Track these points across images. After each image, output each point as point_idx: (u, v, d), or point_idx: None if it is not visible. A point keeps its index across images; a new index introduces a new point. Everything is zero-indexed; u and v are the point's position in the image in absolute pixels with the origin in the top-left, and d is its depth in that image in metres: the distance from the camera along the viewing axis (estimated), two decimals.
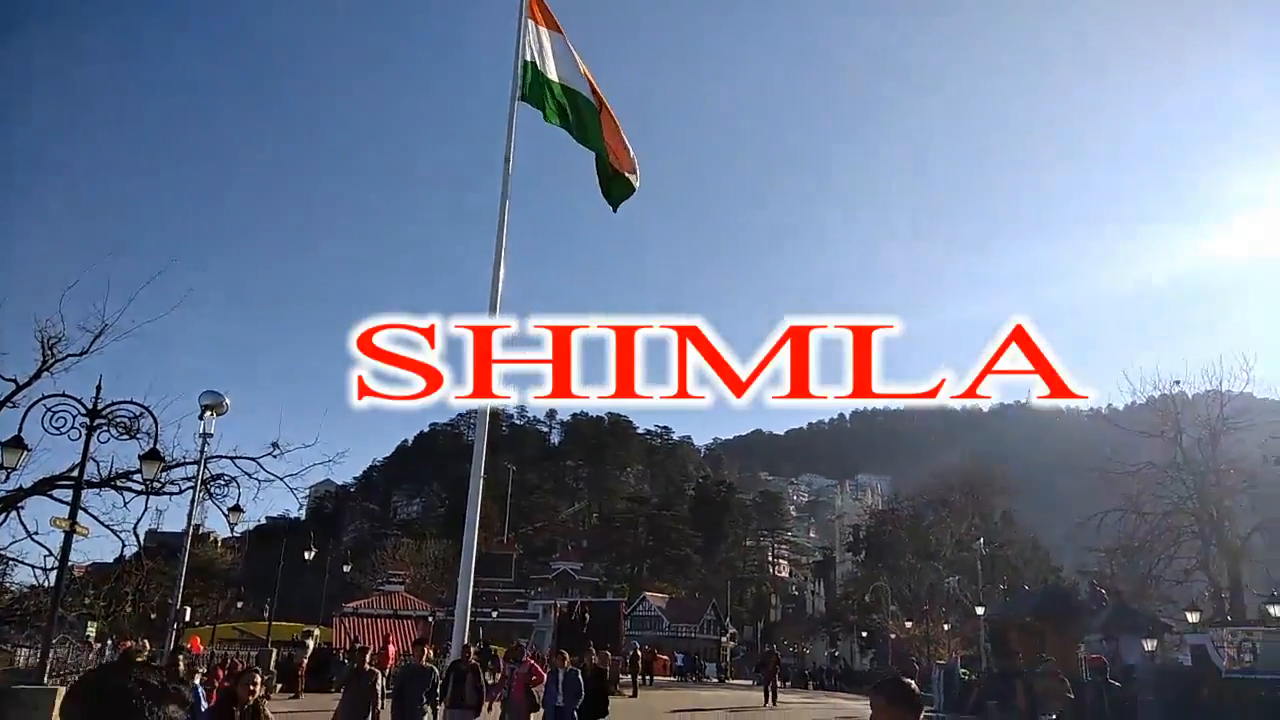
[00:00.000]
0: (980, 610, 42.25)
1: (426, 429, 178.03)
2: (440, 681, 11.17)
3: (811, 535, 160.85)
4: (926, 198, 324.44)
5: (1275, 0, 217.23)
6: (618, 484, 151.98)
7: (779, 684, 31.63)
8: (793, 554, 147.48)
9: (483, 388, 8.11)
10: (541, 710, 13.12)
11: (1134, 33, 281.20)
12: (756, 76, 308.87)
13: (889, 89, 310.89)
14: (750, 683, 58.64)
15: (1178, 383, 34.60)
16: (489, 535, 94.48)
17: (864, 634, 76.71)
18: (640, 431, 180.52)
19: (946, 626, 51.37)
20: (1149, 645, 23.45)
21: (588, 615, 37.24)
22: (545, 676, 13.59)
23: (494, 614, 70.21)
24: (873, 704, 3.10)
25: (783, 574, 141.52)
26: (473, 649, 14.39)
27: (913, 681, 3.16)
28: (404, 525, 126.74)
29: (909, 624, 55.86)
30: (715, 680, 59.39)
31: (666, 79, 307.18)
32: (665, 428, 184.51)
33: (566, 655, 13.75)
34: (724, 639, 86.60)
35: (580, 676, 13.28)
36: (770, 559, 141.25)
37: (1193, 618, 24.86)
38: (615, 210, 9.20)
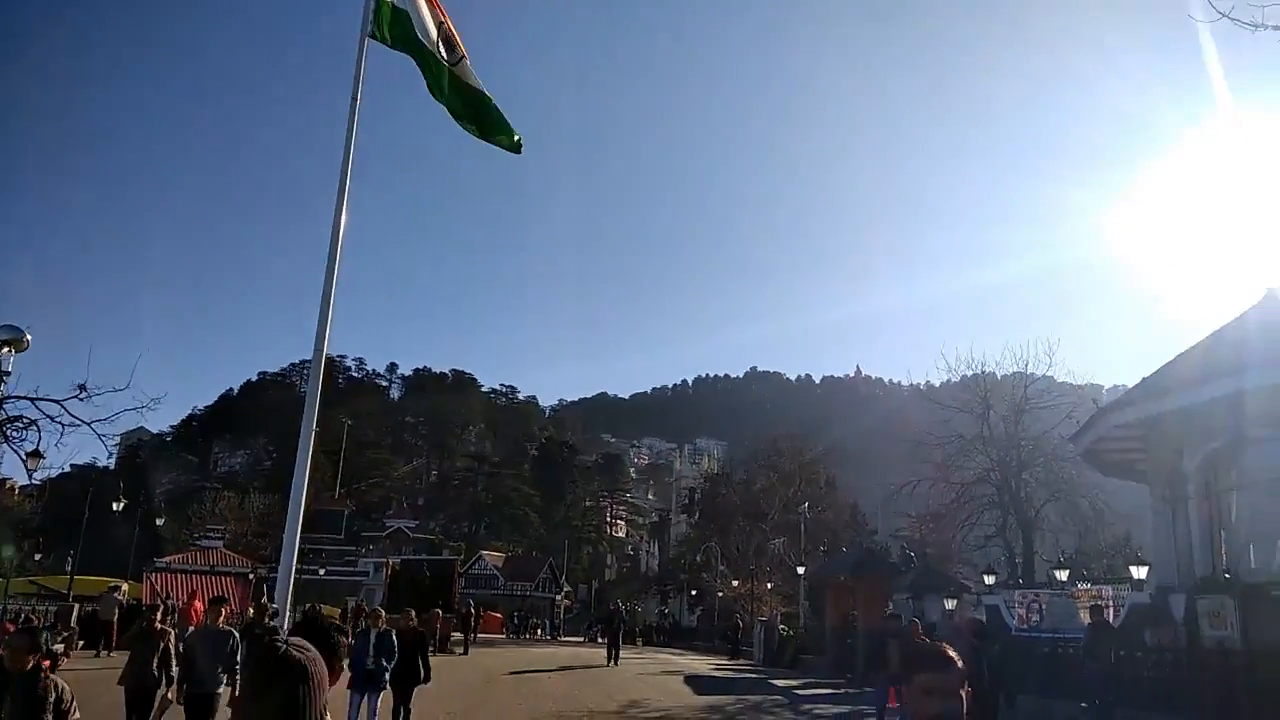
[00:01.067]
0: (801, 570, 44.61)
1: (255, 378, 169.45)
2: (238, 647, 9.85)
3: (650, 497, 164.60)
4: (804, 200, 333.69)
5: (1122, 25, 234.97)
6: (459, 441, 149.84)
7: (621, 642, 31.52)
8: (630, 515, 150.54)
9: (320, 336, 7.72)
10: (348, 674, 11.89)
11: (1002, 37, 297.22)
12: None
13: (755, 99, 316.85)
14: (581, 639, 59.78)
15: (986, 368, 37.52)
16: (320, 491, 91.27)
17: (694, 592, 79.51)
18: (485, 389, 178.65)
19: (770, 585, 53.94)
20: (949, 604, 25.48)
21: (427, 572, 36.65)
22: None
23: (321, 572, 68.10)
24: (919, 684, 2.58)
25: (620, 534, 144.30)
26: (267, 607, 13.25)
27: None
28: (226, 478, 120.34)
29: (735, 583, 58.31)
30: (548, 638, 60.07)
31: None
32: (511, 386, 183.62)
33: (381, 613, 12.60)
34: (559, 597, 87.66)
35: (394, 637, 11.88)
36: (608, 519, 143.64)
37: (989, 580, 27.10)
38: (519, 149, 8.73)
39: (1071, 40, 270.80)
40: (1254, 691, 13.16)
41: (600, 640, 51.71)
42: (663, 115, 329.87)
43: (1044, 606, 21.39)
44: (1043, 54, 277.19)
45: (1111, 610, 18.92)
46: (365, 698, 11.40)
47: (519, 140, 8.60)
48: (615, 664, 28.25)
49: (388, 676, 11.61)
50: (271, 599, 11.43)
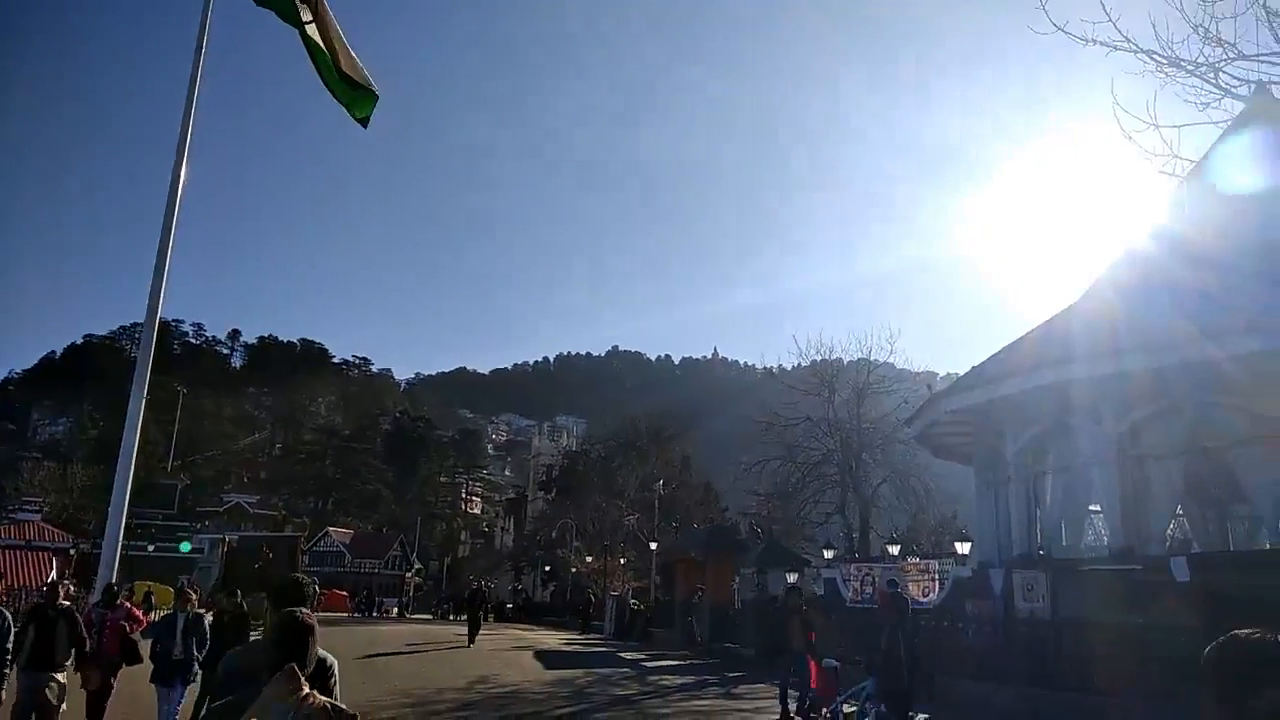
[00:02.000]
0: (654, 546, 45.49)
1: (79, 340, 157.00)
2: (13, 631, 8.53)
3: (507, 473, 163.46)
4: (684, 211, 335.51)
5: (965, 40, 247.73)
6: (306, 414, 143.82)
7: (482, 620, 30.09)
8: (487, 491, 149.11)
9: (154, 296, 7.21)
10: (150, 665, 10.20)
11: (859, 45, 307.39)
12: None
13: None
14: (429, 617, 58.93)
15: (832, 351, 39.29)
16: (151, 462, 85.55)
17: (547, 568, 79.72)
18: (336, 360, 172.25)
19: (623, 561, 54.77)
20: (790, 578, 26.62)
21: (267, 550, 35.00)
22: (146, 623, 11.05)
23: (150, 548, 64.01)
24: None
25: (475, 510, 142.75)
26: (64, 585, 11.41)
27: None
28: (46, 447, 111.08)
29: (590, 559, 58.86)
30: (395, 615, 58.87)
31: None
32: (364, 358, 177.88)
33: (191, 595, 10.86)
34: (409, 575, 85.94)
35: (205, 623, 10.48)
36: (464, 496, 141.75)
37: (828, 554, 28.49)
38: (366, 124, 8.30)
39: (924, 50, 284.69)
40: (1060, 658, 14.44)
41: (452, 618, 51.11)
42: (531, 92, 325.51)
43: (876, 579, 22.66)
44: (898, 62, 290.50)
45: (937, 583, 20.26)
46: (170, 691, 10.06)
47: (368, 111, 8.19)
48: (469, 645, 27.00)
49: (198, 666, 10.18)
50: (94, 574, 10.28)
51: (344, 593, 62.01)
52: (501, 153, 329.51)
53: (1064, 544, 17.84)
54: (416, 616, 59.78)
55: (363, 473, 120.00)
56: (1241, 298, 13.75)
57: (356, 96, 8.03)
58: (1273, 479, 14.09)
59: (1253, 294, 13.76)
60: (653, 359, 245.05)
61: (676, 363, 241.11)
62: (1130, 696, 12.69)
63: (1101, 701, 13.09)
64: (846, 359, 39.46)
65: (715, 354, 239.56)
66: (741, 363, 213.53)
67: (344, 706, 3.24)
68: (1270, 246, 14.48)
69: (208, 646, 10.27)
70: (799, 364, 41.78)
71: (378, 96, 8.17)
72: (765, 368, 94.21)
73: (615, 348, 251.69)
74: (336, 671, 3.82)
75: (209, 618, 11.24)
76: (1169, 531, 17.06)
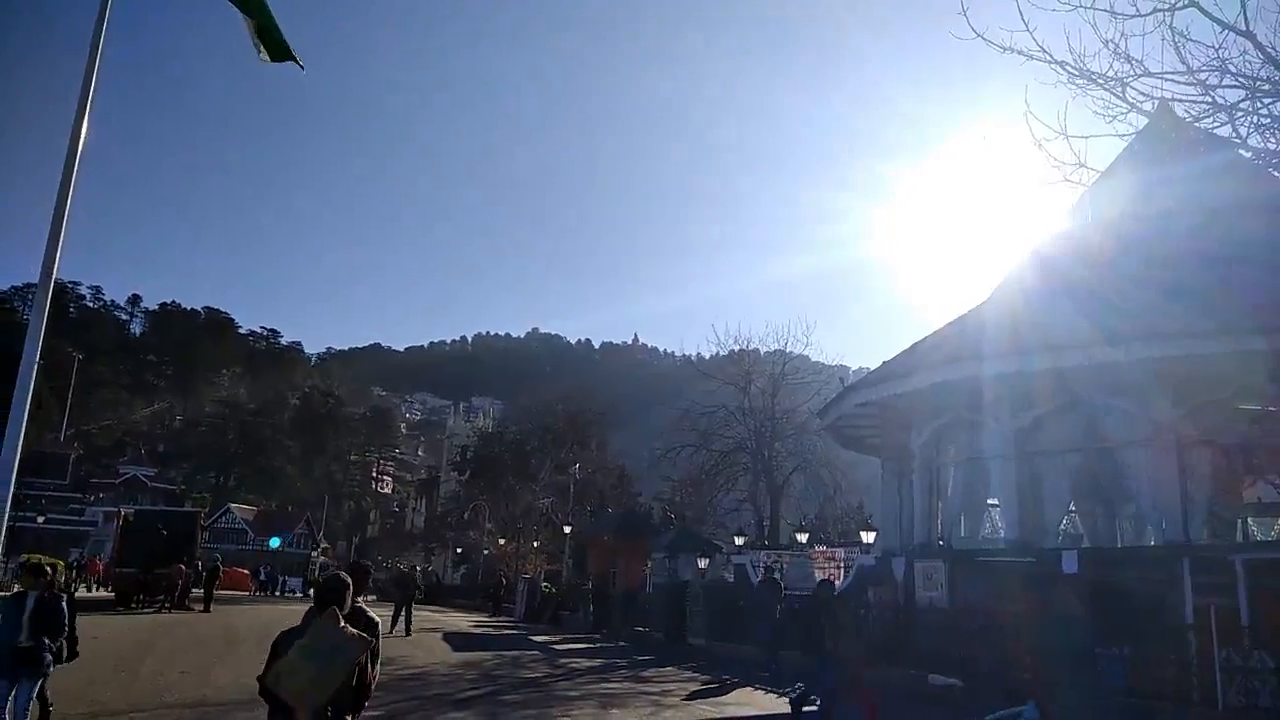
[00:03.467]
0: (568, 529, 45.54)
1: None
2: None
3: (420, 454, 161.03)
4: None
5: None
6: (210, 386, 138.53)
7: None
8: (398, 471, 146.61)
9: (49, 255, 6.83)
10: None
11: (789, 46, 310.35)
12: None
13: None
14: None
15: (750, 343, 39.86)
16: (43, 430, 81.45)
17: (459, 550, 79.00)
18: (243, 332, 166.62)
19: (536, 544, 54.64)
20: (701, 564, 27.01)
21: (160, 526, 33.55)
22: None
23: (40, 520, 61.04)
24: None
25: (386, 490, 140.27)
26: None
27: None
28: None
29: (502, 541, 58.55)
30: (299, 595, 57.53)
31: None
32: (273, 330, 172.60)
33: (47, 571, 8.83)
34: (315, 554, 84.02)
35: (66, 604, 8.65)
36: (375, 475, 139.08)
37: (739, 541, 28.99)
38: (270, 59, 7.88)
39: (840, 52, 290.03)
40: (957, 643, 15.02)
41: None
42: (463, 58, 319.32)
43: (784, 566, 23.18)
44: (825, 70, 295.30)
45: (842, 570, 20.84)
46: (17, 687, 8.14)
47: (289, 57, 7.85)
48: (408, 634, 23.26)
49: (50, 657, 8.31)
50: None
51: (245, 571, 60.27)
52: (429, 123, 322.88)
53: (963, 534, 18.54)
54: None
55: (268, 448, 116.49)
56: (1139, 304, 14.46)
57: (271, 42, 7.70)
58: (1159, 480, 14.89)
59: (1149, 301, 14.48)
60: (573, 343, 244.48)
61: (596, 347, 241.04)
62: (1018, 681, 13.30)
63: (988, 685, 13.69)
64: (764, 350, 40.19)
65: (636, 340, 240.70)
66: (661, 350, 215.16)
67: (369, 638, 4.87)
68: (1166, 256, 15.26)
69: (65, 633, 8.48)
70: (717, 353, 42.43)
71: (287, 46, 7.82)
72: (684, 355, 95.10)
73: (535, 330, 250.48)
74: (380, 630, 5.32)
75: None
76: (1062, 526, 17.86)
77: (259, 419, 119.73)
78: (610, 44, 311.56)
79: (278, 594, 56.40)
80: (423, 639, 23.44)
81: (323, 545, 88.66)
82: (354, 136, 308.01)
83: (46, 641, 8.23)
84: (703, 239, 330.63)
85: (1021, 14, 9.26)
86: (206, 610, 29.96)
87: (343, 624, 4.69)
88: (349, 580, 5.10)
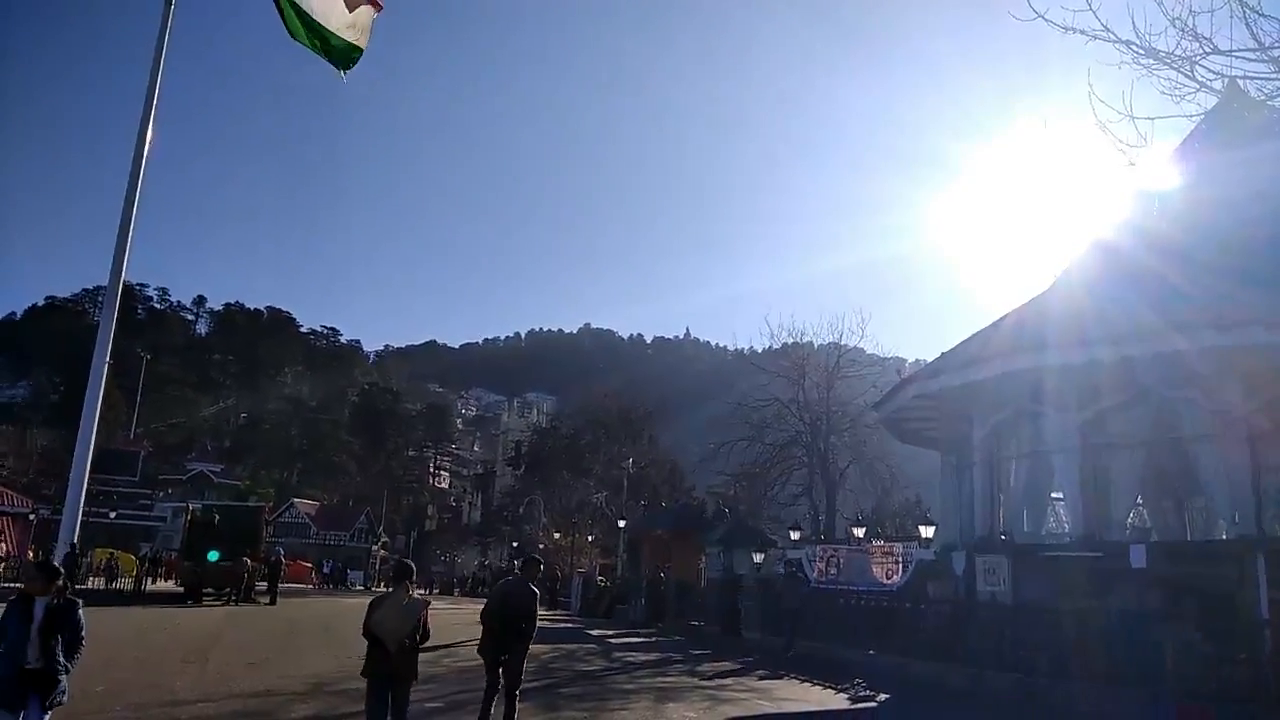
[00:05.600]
0: (622, 523, 45.67)
1: (41, 302, 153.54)
2: None
3: (476, 449, 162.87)
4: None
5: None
6: (272, 384, 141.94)
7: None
8: (455, 466, 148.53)
9: (119, 259, 7.05)
10: None
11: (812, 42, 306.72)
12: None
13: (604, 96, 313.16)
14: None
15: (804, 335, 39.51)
16: (113, 429, 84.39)
17: (514, 544, 79.82)
18: (304, 330, 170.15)
19: (590, 538, 54.94)
20: (757, 558, 26.86)
21: (217, 519, 34.37)
22: None
23: (112, 515, 63.29)
24: None
25: (443, 485, 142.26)
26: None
27: None
28: (3, 411, 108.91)
29: (557, 535, 58.99)
30: (361, 588, 58.71)
31: None
32: (332, 328, 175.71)
33: (59, 573, 6.36)
34: (375, 547, 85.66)
35: (79, 615, 6.34)
36: (432, 470, 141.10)
37: (794, 535, 28.72)
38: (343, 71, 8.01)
39: (896, 42, 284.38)
40: (1017, 641, 14.70)
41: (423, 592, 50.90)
42: (519, 64, 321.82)
43: (841, 561, 22.93)
44: (877, 57, 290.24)
45: (902, 565, 20.53)
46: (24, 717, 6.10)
47: (354, 55, 7.98)
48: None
49: (64, 683, 6.22)
50: (55, 541, 8.30)
51: (309, 564, 61.63)
52: (480, 126, 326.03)
53: (1025, 529, 18.13)
54: (382, 590, 59.71)
55: (329, 444, 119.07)
56: (1207, 292, 13.96)
57: (335, 47, 7.82)
58: (1231, 473, 14.38)
59: (1218, 288, 13.98)
60: (625, 338, 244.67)
61: (649, 342, 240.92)
62: (1079, 681, 12.97)
63: (1049, 685, 13.37)
64: (817, 342, 39.74)
65: (688, 334, 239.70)
66: (713, 344, 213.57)
67: (429, 600, 8.71)
68: (1236, 240, 14.71)
69: (80, 649, 6.40)
70: (770, 346, 42.01)
71: (360, 50, 7.95)
72: (737, 349, 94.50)
73: (588, 325, 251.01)
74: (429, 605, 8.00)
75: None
76: (1129, 520, 17.37)
77: (320, 415, 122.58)
78: (659, 37, 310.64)
79: (342, 587, 57.58)
80: (479, 631, 23.72)
81: (383, 539, 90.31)
82: (405, 138, 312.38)
83: (61, 661, 6.25)
84: (754, 232, 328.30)
85: None
86: (272, 603, 30.70)
87: (411, 591, 7.96)
88: (411, 564, 8.79)
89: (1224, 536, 14.85)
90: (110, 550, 42.25)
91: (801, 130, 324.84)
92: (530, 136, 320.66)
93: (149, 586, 35.61)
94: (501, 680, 9.37)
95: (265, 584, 32.43)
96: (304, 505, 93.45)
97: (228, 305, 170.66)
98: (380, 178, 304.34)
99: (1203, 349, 13.47)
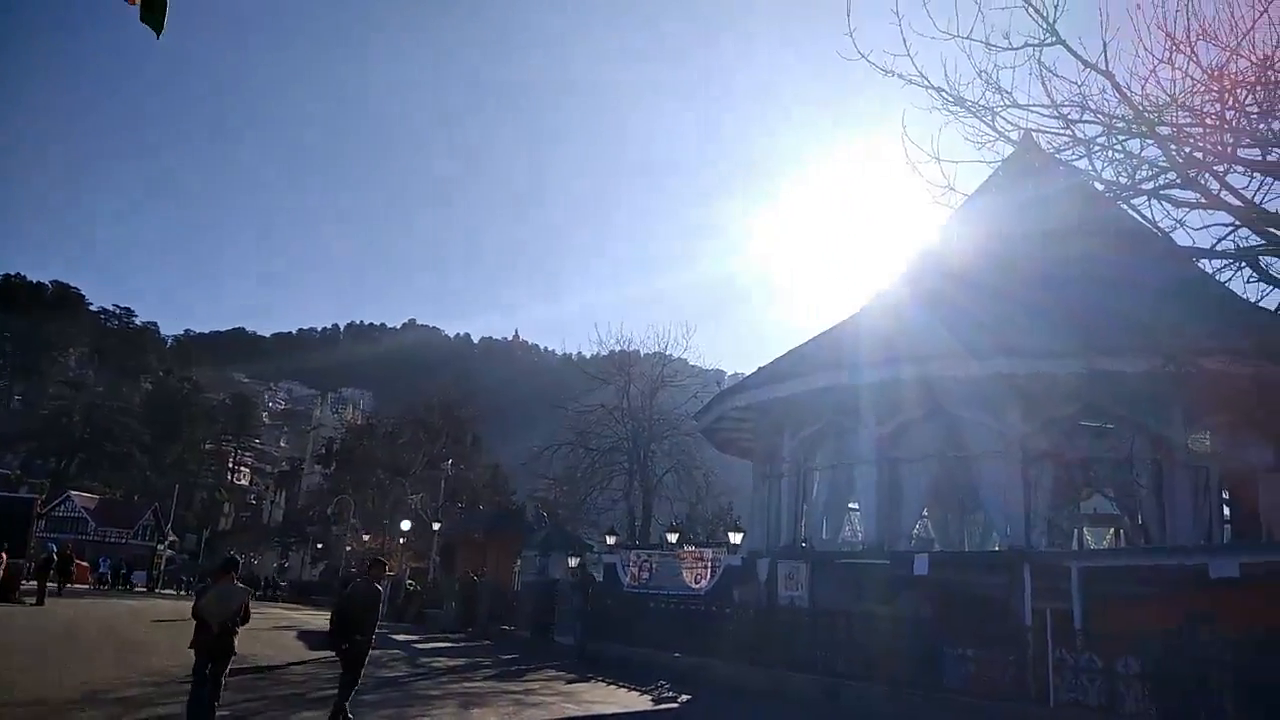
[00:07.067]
0: (436, 526, 44.51)
1: None
2: None
3: (282, 444, 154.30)
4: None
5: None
6: (53, 366, 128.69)
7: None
8: (258, 462, 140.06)
9: None
10: None
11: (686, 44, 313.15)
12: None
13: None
14: (178, 592, 54.56)
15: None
16: None
17: (319, 546, 76.13)
18: (94, 308, 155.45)
19: (403, 541, 53.17)
20: (572, 562, 26.88)
21: None
22: None
23: None
24: None
25: (243, 481, 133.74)
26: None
27: None
28: None
29: (367, 537, 56.74)
30: (143, 589, 54.22)
31: None
32: (127, 308, 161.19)
33: None
34: (161, 546, 79.15)
35: None
36: (231, 465, 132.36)
37: (610, 540, 28.97)
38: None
39: (739, 71, 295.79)
40: (816, 644, 15.42)
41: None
42: (343, 51, 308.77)
43: (654, 566, 23.30)
44: (715, 87, 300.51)
45: (710, 570, 21.11)
46: None
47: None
48: None
49: None
50: None
51: (85, 564, 56.10)
52: (310, 104, 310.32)
53: (825, 537, 19.12)
54: (168, 592, 55.41)
55: (116, 434, 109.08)
56: (999, 320, 15.25)
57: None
58: (1006, 489, 15.73)
59: (1009, 317, 15.30)
60: (451, 336, 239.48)
61: (475, 342, 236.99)
62: (874, 682, 13.78)
63: (845, 684, 14.13)
64: (644, 351, 40.40)
65: (516, 336, 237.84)
66: (542, 347, 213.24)
67: (251, 589, 11.22)
68: (1025, 276, 16.16)
69: None
70: (599, 353, 42.30)
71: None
72: (565, 354, 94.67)
73: (412, 321, 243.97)
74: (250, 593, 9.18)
75: None
76: (915, 530, 18.65)
77: (107, 402, 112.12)
78: (501, 54, 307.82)
79: (122, 588, 52.79)
80: (276, 637, 22.38)
81: (170, 538, 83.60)
82: (226, 110, 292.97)
83: None
84: (590, 247, 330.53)
85: (904, 39, 9.55)
86: (39, 604, 27.73)
87: (235, 581, 9.25)
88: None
89: (996, 548, 16.21)
90: None
91: (639, 154, 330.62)
92: (367, 129, 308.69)
93: None
94: (342, 669, 10.37)
95: (35, 582, 29.29)
96: (81, 499, 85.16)
97: (6, 276, 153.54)
98: (191, 147, 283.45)
99: (990, 373, 14.68)
